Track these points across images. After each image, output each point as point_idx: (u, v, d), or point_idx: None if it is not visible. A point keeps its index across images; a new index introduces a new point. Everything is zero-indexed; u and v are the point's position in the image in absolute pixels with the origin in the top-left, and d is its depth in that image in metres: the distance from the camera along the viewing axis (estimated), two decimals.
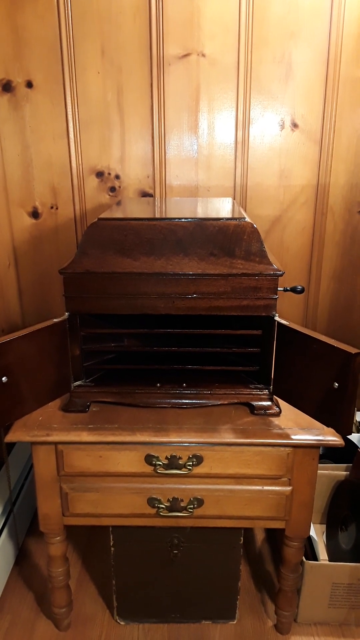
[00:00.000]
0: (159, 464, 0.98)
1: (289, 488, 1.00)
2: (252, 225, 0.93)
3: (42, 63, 1.37)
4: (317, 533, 1.39)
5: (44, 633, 1.19)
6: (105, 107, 1.41)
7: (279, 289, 0.94)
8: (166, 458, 0.98)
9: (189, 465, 0.97)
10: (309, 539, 1.22)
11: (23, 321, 1.63)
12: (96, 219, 0.95)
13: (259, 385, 1.03)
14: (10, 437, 0.95)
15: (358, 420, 1.46)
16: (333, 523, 1.35)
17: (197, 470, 0.98)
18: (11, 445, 1.55)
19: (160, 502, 1.01)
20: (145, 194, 1.49)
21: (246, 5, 1.32)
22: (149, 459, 0.98)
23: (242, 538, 1.12)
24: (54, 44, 1.35)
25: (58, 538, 1.08)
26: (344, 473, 1.36)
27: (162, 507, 1.01)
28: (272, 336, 0.97)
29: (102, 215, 0.98)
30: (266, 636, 1.18)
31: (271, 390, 1.02)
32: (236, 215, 0.97)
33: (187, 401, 1.02)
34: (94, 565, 1.38)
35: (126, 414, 1.01)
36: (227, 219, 0.94)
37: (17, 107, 1.40)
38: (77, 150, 1.45)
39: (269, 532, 1.49)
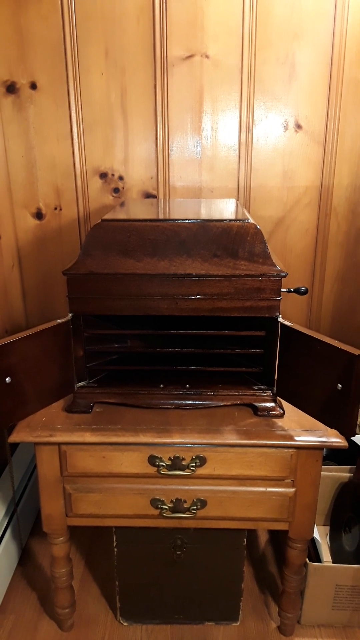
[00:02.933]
0: (162, 465, 0.98)
1: (293, 489, 1.00)
2: (255, 226, 0.93)
3: (46, 64, 1.37)
4: (320, 535, 1.38)
5: (47, 633, 1.19)
6: (108, 109, 1.41)
7: (282, 290, 0.94)
8: (169, 459, 0.98)
9: (192, 466, 0.97)
10: (313, 540, 1.22)
11: (27, 322, 1.63)
12: (100, 220, 0.95)
13: (262, 387, 1.03)
14: (13, 438, 0.96)
15: None
16: (337, 525, 1.34)
17: (200, 471, 0.98)
18: (15, 445, 1.56)
19: (163, 503, 1.01)
20: (148, 195, 1.50)
21: (250, 7, 1.32)
22: (152, 460, 0.98)
23: (245, 539, 1.12)
24: (58, 46, 1.36)
25: (61, 538, 1.08)
26: (348, 475, 1.36)
27: (165, 508, 1.01)
28: (275, 337, 0.97)
29: (106, 217, 0.98)
30: (269, 638, 1.18)
31: (274, 392, 1.02)
32: (239, 217, 0.97)
33: (190, 402, 1.02)
34: (97, 566, 1.38)
35: (129, 414, 1.01)
36: (231, 220, 0.94)
37: (21, 109, 1.41)
38: (80, 152, 1.45)
39: (273, 533, 1.49)
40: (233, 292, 0.94)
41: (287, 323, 0.95)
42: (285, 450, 0.96)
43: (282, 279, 0.93)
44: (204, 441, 0.95)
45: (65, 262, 1.54)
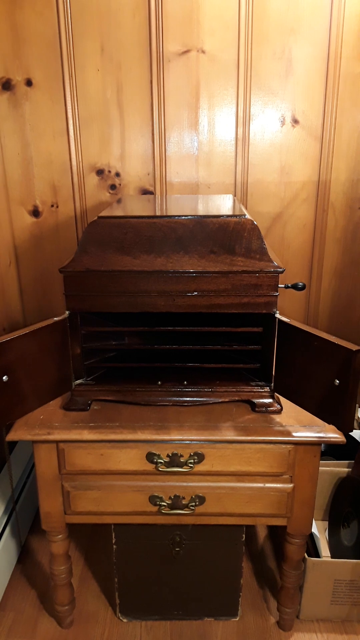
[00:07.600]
0: (160, 462, 0.98)
1: (291, 485, 1.00)
2: (252, 222, 0.93)
3: (42, 61, 1.36)
4: (319, 530, 1.39)
5: (46, 630, 1.20)
6: (105, 105, 1.40)
7: (279, 286, 0.94)
8: (167, 456, 0.98)
9: (190, 463, 0.97)
10: (311, 535, 1.22)
11: (24, 320, 1.63)
12: (96, 217, 0.95)
13: (260, 383, 1.03)
14: (11, 436, 0.95)
15: (359, 416, 1.46)
16: (335, 520, 1.35)
17: (199, 468, 0.98)
18: (13, 444, 1.56)
19: (161, 499, 1.01)
20: (145, 192, 1.49)
21: (246, 1, 1.32)
22: (150, 457, 0.98)
23: (244, 535, 1.12)
24: (53, 42, 1.35)
25: (60, 536, 1.08)
26: (346, 470, 1.36)
27: (164, 505, 1.01)
28: (273, 333, 0.97)
29: (102, 214, 0.98)
30: (268, 633, 1.19)
31: (272, 388, 1.02)
32: (236, 213, 0.97)
33: (188, 399, 1.02)
34: (96, 563, 1.38)
35: (127, 412, 1.01)
36: (227, 216, 0.94)
37: (16, 105, 1.40)
38: (77, 148, 1.44)
39: (271, 528, 1.49)
40: (230, 288, 0.94)
41: (284, 319, 0.95)
42: (283, 446, 0.97)
43: (280, 274, 0.93)
44: (202, 438, 0.95)
45: (62, 259, 1.54)
